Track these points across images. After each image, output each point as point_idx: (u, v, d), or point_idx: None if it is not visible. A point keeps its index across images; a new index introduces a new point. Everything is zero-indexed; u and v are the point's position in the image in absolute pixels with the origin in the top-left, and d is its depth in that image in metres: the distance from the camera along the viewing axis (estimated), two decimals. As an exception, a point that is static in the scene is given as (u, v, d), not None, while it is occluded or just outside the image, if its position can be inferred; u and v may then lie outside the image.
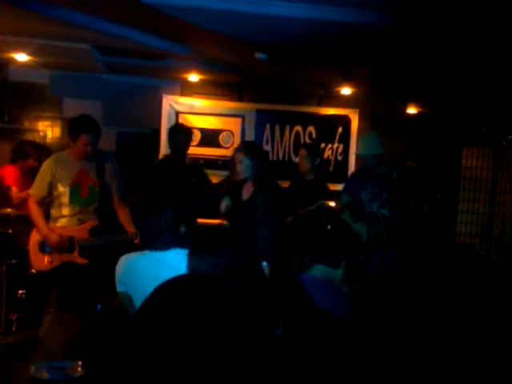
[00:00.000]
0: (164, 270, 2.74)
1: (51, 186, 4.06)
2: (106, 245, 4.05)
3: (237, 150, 4.25)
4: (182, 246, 2.89)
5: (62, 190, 4.05)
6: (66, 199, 4.05)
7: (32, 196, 4.10)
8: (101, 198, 4.14)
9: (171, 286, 1.46)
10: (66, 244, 4.00)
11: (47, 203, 4.16)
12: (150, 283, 2.64)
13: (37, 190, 4.10)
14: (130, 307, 2.78)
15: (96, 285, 3.95)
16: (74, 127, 4.03)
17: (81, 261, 4.01)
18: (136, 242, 3.99)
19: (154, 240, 2.84)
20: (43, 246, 4.03)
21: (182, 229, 3.05)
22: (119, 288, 2.85)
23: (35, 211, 4.06)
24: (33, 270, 4.27)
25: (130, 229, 4.11)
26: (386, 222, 4.50)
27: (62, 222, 4.08)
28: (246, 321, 1.40)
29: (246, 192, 4.14)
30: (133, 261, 2.86)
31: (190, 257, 2.27)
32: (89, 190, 4.10)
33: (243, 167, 4.05)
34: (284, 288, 2.43)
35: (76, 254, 4.01)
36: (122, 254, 2.97)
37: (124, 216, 4.22)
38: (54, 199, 4.09)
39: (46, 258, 4.01)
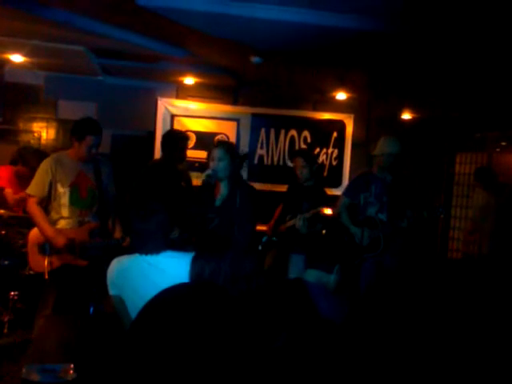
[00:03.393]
0: (155, 273, 2.74)
1: (50, 187, 3.99)
2: (106, 247, 4.02)
3: (215, 147, 4.00)
4: (173, 248, 2.88)
5: (62, 190, 3.98)
6: (65, 200, 3.99)
7: (33, 197, 3.98)
8: (100, 199, 4.11)
9: (172, 294, 1.46)
10: (69, 246, 3.93)
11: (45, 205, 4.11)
12: (142, 287, 2.65)
13: (37, 190, 3.98)
14: (122, 310, 2.77)
15: (94, 287, 3.92)
16: (81, 129, 4.00)
17: (81, 263, 3.96)
18: (124, 245, 3.98)
19: (145, 243, 2.83)
20: (44, 248, 3.92)
21: (175, 233, 3.02)
22: (111, 291, 2.83)
23: (38, 213, 3.94)
24: (31, 272, 4.19)
25: (117, 233, 4.10)
26: (383, 226, 4.52)
27: (61, 223, 4.01)
28: (248, 330, 1.40)
29: (220, 194, 3.97)
30: (125, 264, 2.85)
31: (194, 261, 2.26)
32: (88, 191, 4.07)
33: (221, 165, 3.87)
34: (288, 294, 2.44)
35: (76, 256, 3.94)
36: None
37: (115, 219, 4.21)
38: (53, 201, 4.01)
39: (46, 260, 3.90)
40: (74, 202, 4.02)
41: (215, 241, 3.81)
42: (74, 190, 4.02)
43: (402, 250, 4.69)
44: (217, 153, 3.89)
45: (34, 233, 4.02)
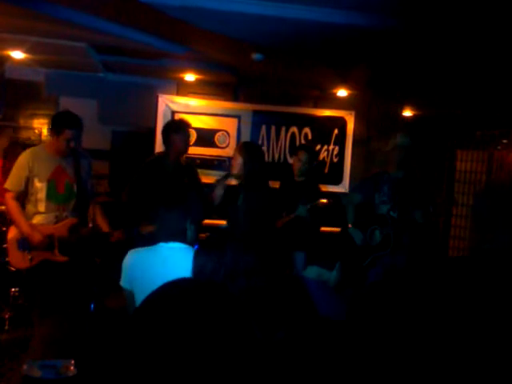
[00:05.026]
0: (166, 266, 2.71)
1: (27, 181, 3.95)
2: (86, 242, 3.99)
3: (235, 149, 4.29)
4: (186, 242, 2.83)
5: (39, 185, 3.95)
6: (42, 195, 3.95)
7: (9, 191, 3.96)
8: (78, 195, 4.07)
9: (170, 289, 1.46)
10: (47, 242, 3.91)
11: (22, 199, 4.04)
12: (152, 281, 2.63)
13: (14, 184, 3.96)
14: (131, 303, 2.76)
15: (79, 282, 3.91)
16: (59, 122, 3.96)
17: (61, 258, 3.93)
18: (112, 240, 3.97)
19: (162, 230, 2.80)
20: (22, 244, 3.90)
21: (190, 232, 2.99)
22: (123, 283, 2.82)
23: (14, 208, 3.94)
24: (12, 268, 4.15)
25: (105, 227, 4.09)
26: (394, 223, 4.51)
27: (37, 218, 3.98)
28: (248, 324, 1.40)
29: (241, 194, 4.12)
30: (138, 257, 2.83)
31: (196, 255, 2.26)
32: (65, 186, 4.02)
33: (238, 165, 4.04)
34: (287, 291, 2.43)
35: (56, 251, 3.93)
36: (102, 251, 2.94)
37: (98, 214, 4.18)
38: (30, 195, 3.98)
39: (25, 256, 3.89)
40: (50, 196, 3.98)
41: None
42: (52, 184, 3.98)
43: (410, 248, 4.68)
44: (234, 152, 4.13)
45: (14, 229, 3.99)
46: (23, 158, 4.01)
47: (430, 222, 5.01)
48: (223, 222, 4.82)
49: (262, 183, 4.17)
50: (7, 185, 3.99)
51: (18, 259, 3.95)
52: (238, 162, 4.09)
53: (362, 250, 4.57)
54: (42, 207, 3.98)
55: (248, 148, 4.24)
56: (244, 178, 4.07)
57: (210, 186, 4.49)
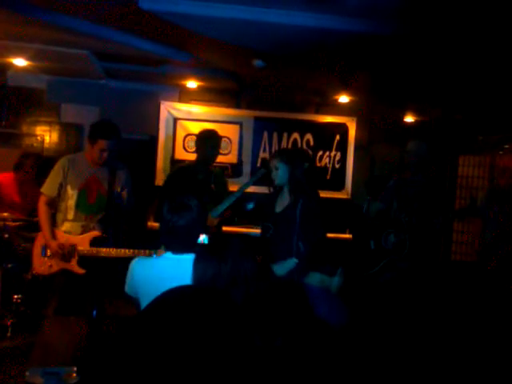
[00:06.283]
0: (172, 279, 2.67)
1: (60, 188, 3.99)
2: (106, 258, 3.92)
3: (271, 157, 4.26)
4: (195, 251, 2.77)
5: (71, 193, 3.97)
6: (72, 203, 3.97)
7: (44, 195, 4.02)
8: (108, 207, 4.04)
9: (172, 296, 1.46)
10: (66, 252, 3.91)
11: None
12: (158, 290, 2.61)
13: (48, 189, 4.01)
14: (136, 310, 2.74)
15: (92, 293, 3.90)
16: (93, 131, 3.98)
17: (78, 270, 3.92)
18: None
19: (170, 240, 2.74)
20: (44, 250, 3.97)
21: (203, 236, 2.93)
22: (127, 290, 2.81)
23: (43, 213, 3.99)
24: (34, 272, 4.16)
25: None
26: (410, 229, 4.49)
27: (66, 226, 4.01)
28: (248, 331, 1.41)
29: (281, 202, 4.02)
30: (145, 266, 2.80)
31: (196, 263, 2.24)
32: (97, 197, 4.01)
33: (278, 174, 3.97)
34: (287, 297, 2.42)
35: (74, 262, 3.92)
36: (120, 267, 2.92)
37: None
38: (61, 201, 4.01)
39: (45, 263, 3.95)
40: (80, 205, 3.99)
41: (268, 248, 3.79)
42: (82, 193, 3.99)
43: (421, 252, 4.65)
44: (273, 161, 4.02)
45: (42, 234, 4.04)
46: (60, 163, 4.04)
47: (447, 228, 5.01)
48: (250, 230, 4.85)
49: (308, 188, 4.11)
50: (42, 188, 4.05)
51: (39, 264, 4.00)
52: (284, 169, 3.98)
53: (375, 254, 4.56)
54: (70, 215, 4.00)
55: (291, 155, 4.18)
56: (293, 185, 3.98)
57: (230, 198, 4.52)
